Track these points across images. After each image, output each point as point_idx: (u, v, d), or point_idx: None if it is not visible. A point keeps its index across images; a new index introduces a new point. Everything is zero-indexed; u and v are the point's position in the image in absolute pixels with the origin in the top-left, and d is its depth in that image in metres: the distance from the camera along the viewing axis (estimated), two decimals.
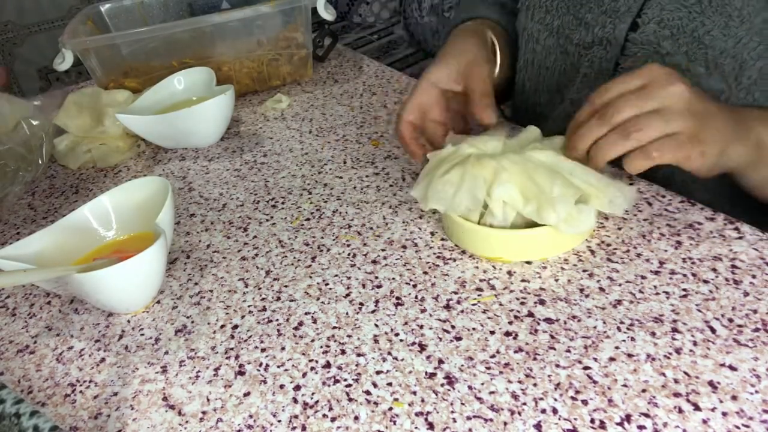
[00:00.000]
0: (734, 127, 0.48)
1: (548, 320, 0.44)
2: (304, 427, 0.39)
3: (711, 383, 0.38)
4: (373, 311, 0.47)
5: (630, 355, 0.41)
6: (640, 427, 0.36)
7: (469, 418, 0.38)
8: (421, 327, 0.45)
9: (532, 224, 0.48)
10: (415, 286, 0.49)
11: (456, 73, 0.59)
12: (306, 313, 0.48)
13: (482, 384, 0.40)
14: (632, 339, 0.42)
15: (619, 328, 0.43)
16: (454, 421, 0.38)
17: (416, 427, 0.38)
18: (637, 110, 0.46)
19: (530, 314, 0.45)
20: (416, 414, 0.39)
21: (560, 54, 0.67)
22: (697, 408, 0.37)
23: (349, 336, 0.45)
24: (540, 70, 0.70)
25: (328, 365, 0.43)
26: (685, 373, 0.39)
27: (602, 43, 0.62)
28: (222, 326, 0.48)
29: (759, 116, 0.50)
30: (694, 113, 0.46)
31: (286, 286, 0.51)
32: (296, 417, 0.40)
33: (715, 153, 0.47)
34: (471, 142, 0.53)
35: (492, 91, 0.58)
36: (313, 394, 0.41)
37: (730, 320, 0.42)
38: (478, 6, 0.75)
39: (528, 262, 0.49)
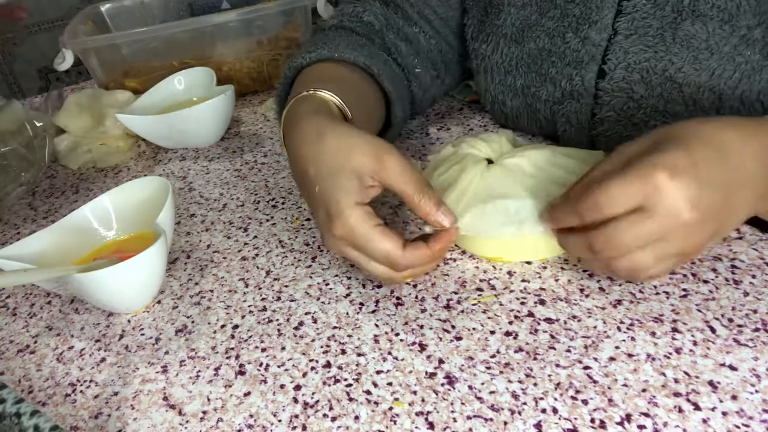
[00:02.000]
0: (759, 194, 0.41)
1: (548, 320, 0.44)
2: (304, 427, 0.39)
3: (711, 383, 0.38)
4: (373, 311, 0.47)
5: (630, 355, 0.41)
6: (640, 427, 0.36)
7: (469, 417, 0.38)
8: (422, 327, 0.45)
9: None
10: (415, 286, 0.49)
11: (368, 179, 0.44)
12: (306, 313, 0.48)
13: (482, 384, 0.40)
14: (632, 339, 0.42)
15: (619, 328, 0.43)
16: (455, 420, 0.38)
17: (416, 427, 0.38)
18: (635, 256, 0.40)
19: (530, 314, 0.45)
20: (416, 414, 0.39)
21: (531, 113, 0.64)
22: (697, 408, 0.37)
23: (349, 336, 0.45)
24: (515, 131, 0.67)
25: (328, 365, 0.43)
26: (685, 373, 0.39)
27: (573, 96, 0.58)
28: (222, 326, 0.48)
29: None
30: (699, 243, 0.40)
31: (286, 286, 0.51)
32: (296, 417, 0.40)
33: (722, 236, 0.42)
34: (471, 143, 0.53)
35: (425, 180, 0.44)
36: (313, 393, 0.41)
37: (730, 320, 0.42)
38: (329, 45, 0.58)
39: (528, 262, 0.49)
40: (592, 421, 0.37)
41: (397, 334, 0.45)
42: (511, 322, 0.44)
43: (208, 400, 0.42)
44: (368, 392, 0.41)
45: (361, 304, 0.48)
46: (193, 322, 0.49)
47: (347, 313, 0.47)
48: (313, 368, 0.43)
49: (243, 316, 0.49)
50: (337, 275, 0.51)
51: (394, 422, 0.38)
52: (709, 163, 0.38)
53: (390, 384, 0.41)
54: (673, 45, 0.51)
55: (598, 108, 0.58)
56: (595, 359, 0.41)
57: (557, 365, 0.41)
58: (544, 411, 0.38)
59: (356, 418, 0.39)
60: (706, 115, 0.52)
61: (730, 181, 0.39)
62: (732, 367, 0.39)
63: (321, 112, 0.49)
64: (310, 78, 0.56)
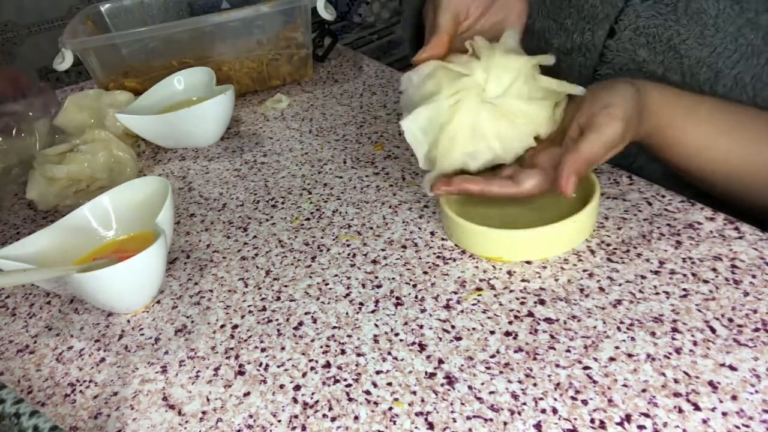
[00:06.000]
0: None
1: (548, 320, 0.44)
2: (304, 427, 0.39)
3: (711, 383, 0.38)
4: (373, 311, 0.47)
5: (630, 355, 0.41)
6: (640, 427, 0.36)
7: (469, 418, 0.38)
8: (421, 327, 0.45)
9: (532, 224, 0.48)
10: (415, 286, 0.49)
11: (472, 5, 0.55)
12: (306, 313, 0.48)
13: (482, 384, 0.40)
14: (632, 339, 0.42)
15: (619, 328, 0.43)
16: (454, 421, 0.38)
17: (416, 427, 0.38)
18: None
19: (530, 314, 0.45)
20: (416, 414, 0.39)
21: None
22: (697, 408, 0.37)
23: (349, 336, 0.45)
24: None
25: (328, 365, 0.43)
26: (685, 373, 0.39)
27: (581, 49, 0.61)
28: (222, 326, 0.48)
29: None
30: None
31: (286, 286, 0.51)
32: (296, 417, 0.40)
33: None
34: (466, 65, 0.51)
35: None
36: (313, 394, 0.41)
37: (730, 320, 0.42)
38: None
39: (528, 262, 0.49)
40: (592, 421, 0.37)
41: (396, 334, 0.45)
42: (510, 322, 0.44)
43: (208, 400, 0.42)
44: (368, 392, 0.41)
45: (361, 304, 0.48)
46: (192, 322, 0.49)
47: (347, 313, 0.47)
48: (312, 368, 0.43)
49: (242, 316, 0.49)
50: (336, 275, 0.51)
51: (394, 422, 0.38)
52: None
53: (390, 384, 0.41)
54: (683, 16, 0.54)
55: (600, 65, 0.61)
56: (595, 359, 0.41)
57: (557, 365, 0.41)
58: (543, 411, 0.38)
59: (356, 418, 0.39)
60: (700, 88, 0.55)
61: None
62: (732, 367, 0.39)
63: None
64: None
